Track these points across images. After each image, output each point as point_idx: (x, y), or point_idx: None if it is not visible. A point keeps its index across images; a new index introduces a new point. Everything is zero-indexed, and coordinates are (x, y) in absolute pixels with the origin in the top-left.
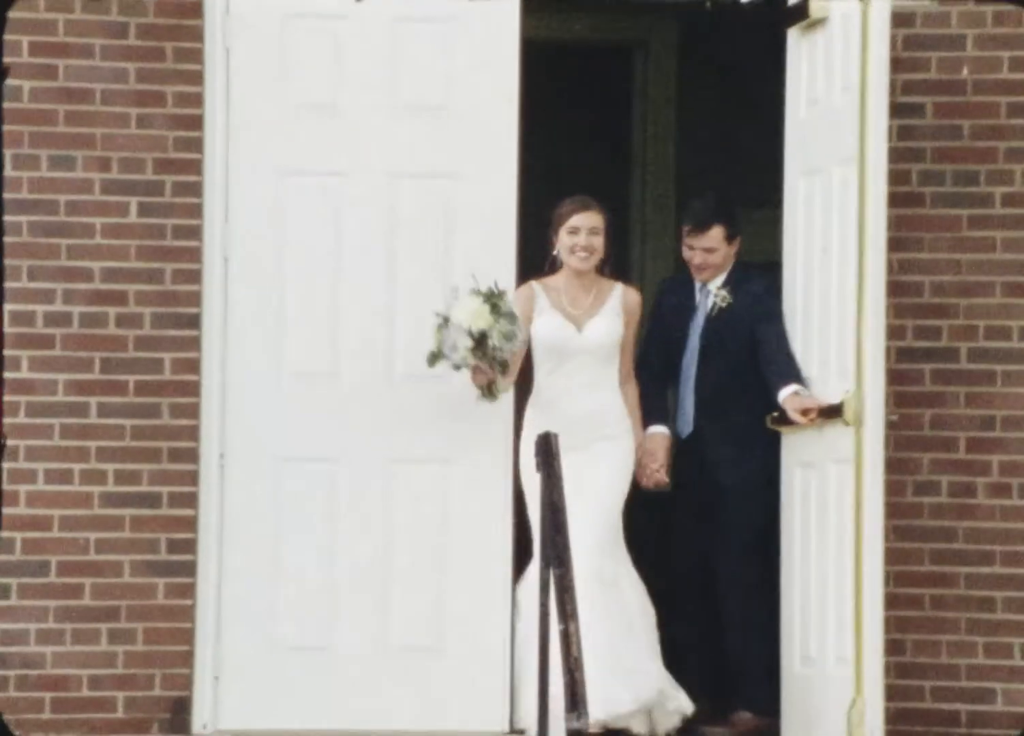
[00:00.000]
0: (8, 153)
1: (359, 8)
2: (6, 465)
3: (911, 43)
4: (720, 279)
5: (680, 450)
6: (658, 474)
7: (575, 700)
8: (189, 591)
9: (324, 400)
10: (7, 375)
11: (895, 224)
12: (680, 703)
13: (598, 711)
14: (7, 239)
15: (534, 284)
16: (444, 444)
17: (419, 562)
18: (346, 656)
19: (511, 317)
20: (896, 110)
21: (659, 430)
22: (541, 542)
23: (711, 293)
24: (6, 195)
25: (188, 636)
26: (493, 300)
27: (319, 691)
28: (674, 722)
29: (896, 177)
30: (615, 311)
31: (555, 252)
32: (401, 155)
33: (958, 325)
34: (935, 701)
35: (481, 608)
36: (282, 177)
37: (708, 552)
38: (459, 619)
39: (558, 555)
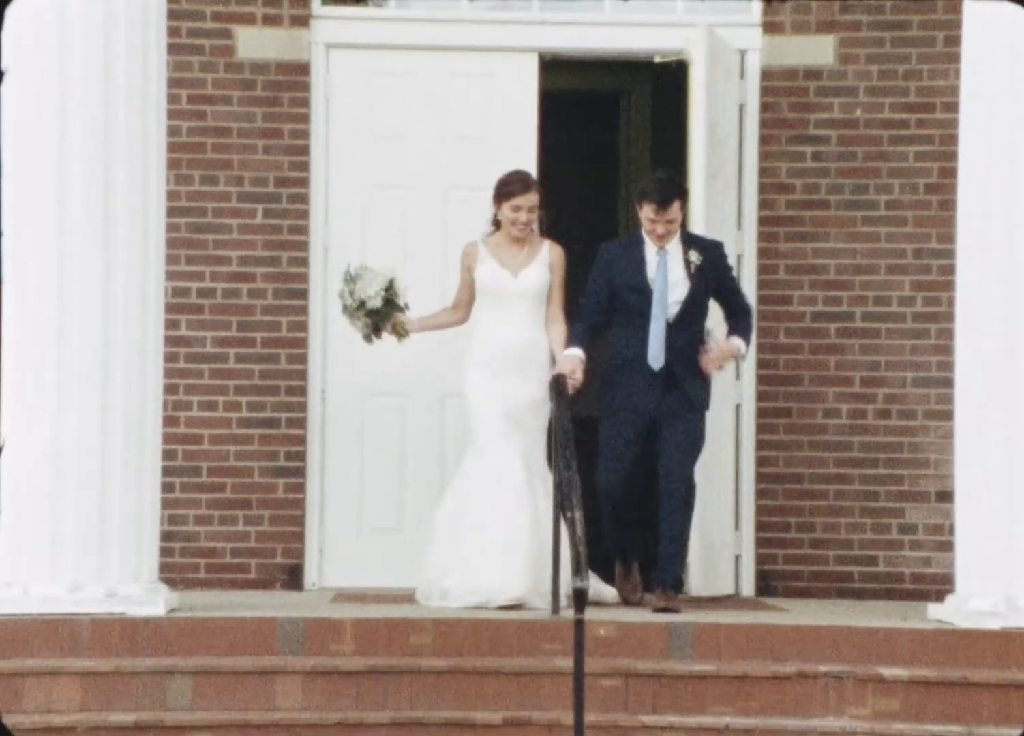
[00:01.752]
0: (171, 174)
1: (423, 67)
2: (171, 398)
3: (819, 92)
4: (675, 241)
5: (650, 380)
6: (572, 378)
7: (579, 567)
8: (300, 488)
9: (396, 351)
10: (170, 333)
11: (810, 222)
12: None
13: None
14: (171, 235)
15: (478, 241)
16: None
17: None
18: (411, 535)
19: (355, 276)
20: (810, 140)
21: (575, 352)
22: (555, 454)
23: (669, 252)
24: (170, 204)
25: (300, 520)
26: (346, 276)
27: (392, 560)
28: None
29: (809, 188)
30: (544, 263)
31: (497, 217)
32: (452, 174)
33: (854, 295)
34: (836, 565)
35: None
36: (366, 189)
37: (634, 470)
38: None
39: (566, 463)
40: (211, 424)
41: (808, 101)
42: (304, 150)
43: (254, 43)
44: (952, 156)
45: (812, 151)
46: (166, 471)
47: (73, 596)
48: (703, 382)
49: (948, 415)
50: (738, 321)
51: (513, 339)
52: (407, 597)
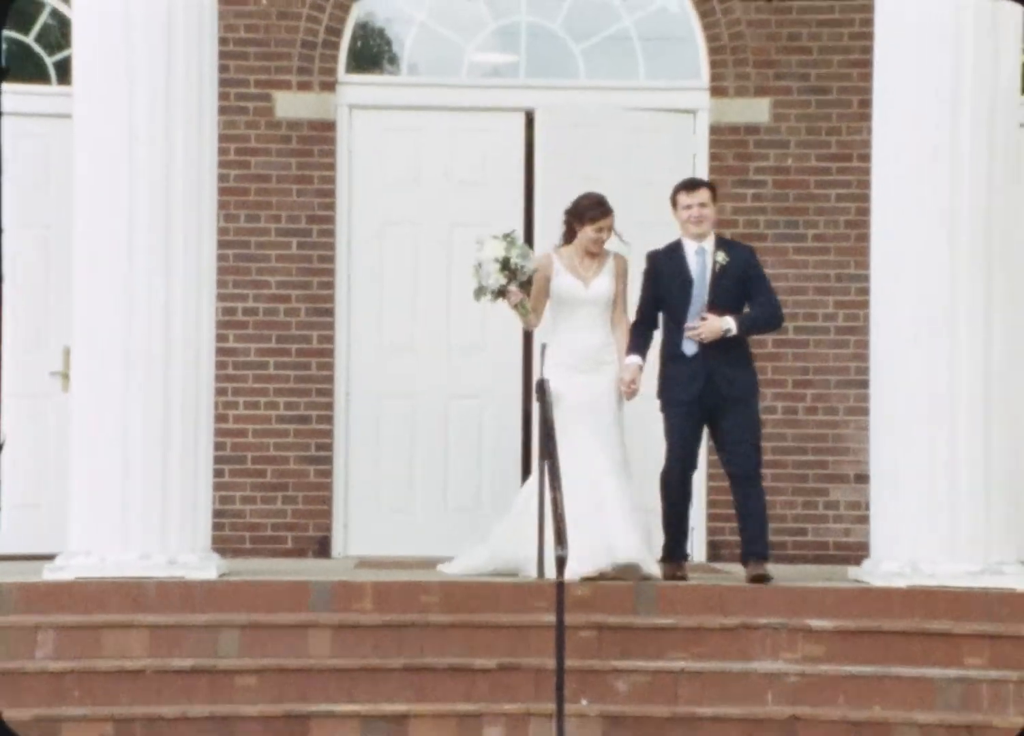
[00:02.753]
0: (221, 213)
1: (430, 123)
2: (221, 399)
3: (758, 145)
4: (710, 243)
5: (694, 371)
6: (630, 388)
7: (560, 538)
8: (328, 474)
9: (407, 361)
10: (220, 345)
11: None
12: (651, 570)
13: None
14: (220, 264)
15: (551, 253)
16: (478, 386)
17: (465, 455)
18: (422, 513)
19: (523, 247)
20: (750, 184)
21: (634, 360)
22: (539, 444)
23: (707, 252)
24: (220, 238)
25: (328, 500)
26: (507, 238)
27: (404, 534)
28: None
29: (750, 224)
30: (610, 273)
31: (575, 232)
32: (455, 212)
33: (787, 312)
34: (773, 535)
35: (502, 485)
36: (383, 225)
37: (696, 458)
38: (488, 492)
39: (549, 452)
40: (254, 421)
41: (748, 152)
42: (331, 193)
43: (289, 105)
44: (866, 198)
45: (752, 193)
46: (217, 459)
47: (141, 563)
48: (743, 371)
49: (864, 411)
50: (751, 310)
51: (587, 341)
52: (418, 564)
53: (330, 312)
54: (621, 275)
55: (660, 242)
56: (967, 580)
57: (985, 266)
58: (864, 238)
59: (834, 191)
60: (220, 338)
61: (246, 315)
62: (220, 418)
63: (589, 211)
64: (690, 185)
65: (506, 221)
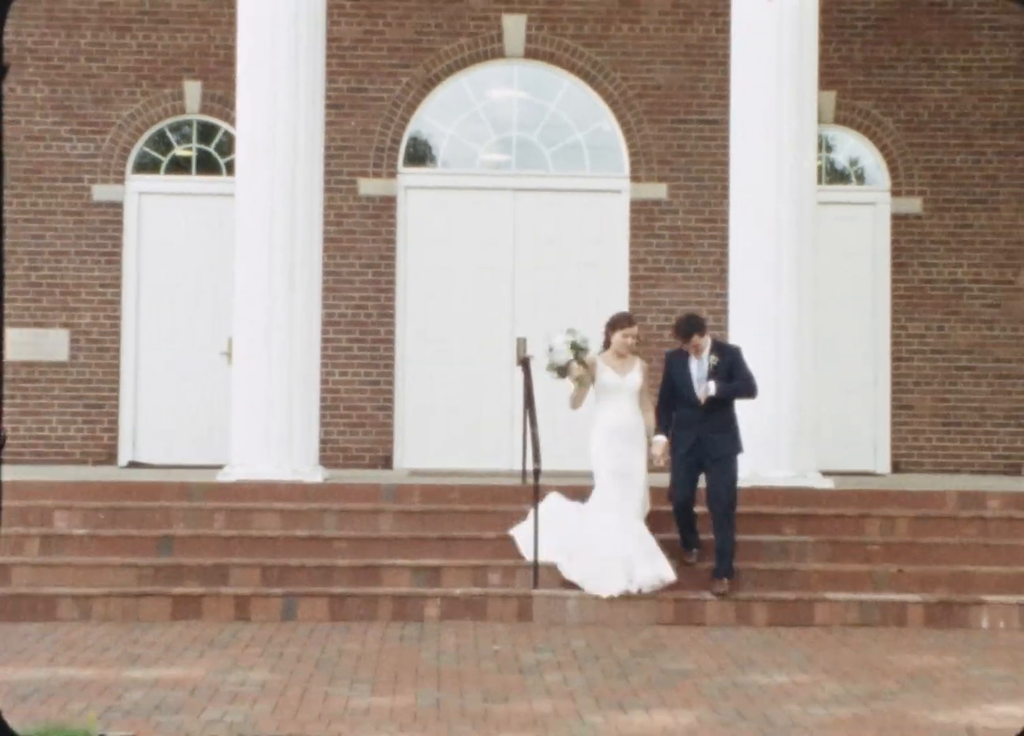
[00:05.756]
0: (324, 254)
1: (456, 198)
2: (324, 370)
3: (660, 212)
4: (707, 350)
5: (693, 438)
6: (659, 461)
7: (536, 457)
8: (391, 417)
9: (444, 352)
10: (324, 336)
11: (655, 279)
12: (667, 579)
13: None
14: (324, 286)
15: (597, 357)
16: (485, 366)
17: (477, 406)
18: (451, 440)
19: (583, 333)
20: (655, 236)
21: (660, 439)
22: (524, 401)
23: (705, 359)
24: (324, 270)
25: (391, 433)
26: (571, 331)
27: (441, 454)
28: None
29: (656, 261)
30: (638, 370)
31: (610, 340)
32: (477, 259)
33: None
34: None
35: (498, 423)
36: (428, 269)
37: (694, 492)
38: (491, 426)
39: (529, 403)
40: (344, 383)
41: (654, 217)
42: (393, 242)
43: (368, 186)
44: (726, 245)
45: (656, 242)
46: (322, 408)
47: (275, 470)
48: (723, 437)
49: None
50: (731, 382)
51: (623, 418)
52: (449, 474)
53: (392, 316)
54: (646, 373)
55: (596, 277)
56: (786, 482)
57: (797, 286)
58: (725, 271)
59: (706, 241)
60: (324, 332)
61: (339, 318)
62: (324, 382)
63: (619, 322)
64: (683, 337)
65: (503, 263)
